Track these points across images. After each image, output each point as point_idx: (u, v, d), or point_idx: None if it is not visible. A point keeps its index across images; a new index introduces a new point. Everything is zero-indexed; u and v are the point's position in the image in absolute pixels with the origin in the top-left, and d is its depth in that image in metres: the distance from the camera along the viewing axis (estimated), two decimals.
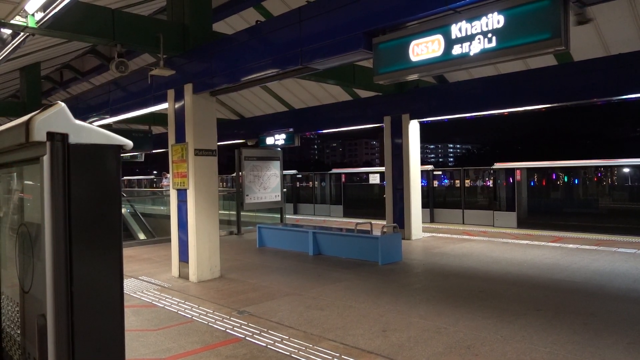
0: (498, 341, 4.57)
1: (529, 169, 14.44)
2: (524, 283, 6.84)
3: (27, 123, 1.54)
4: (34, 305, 1.73)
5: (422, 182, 13.10)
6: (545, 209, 14.38)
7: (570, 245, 9.93)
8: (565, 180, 14.66)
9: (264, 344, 4.59)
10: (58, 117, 1.57)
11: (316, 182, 21.04)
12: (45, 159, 1.50)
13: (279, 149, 14.17)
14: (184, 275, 7.71)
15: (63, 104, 1.60)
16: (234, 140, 16.35)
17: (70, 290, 1.51)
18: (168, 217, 9.07)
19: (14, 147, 1.75)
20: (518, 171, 14.03)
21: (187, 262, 7.62)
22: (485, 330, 4.89)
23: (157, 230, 14.51)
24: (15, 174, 2.05)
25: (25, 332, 1.85)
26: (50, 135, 1.51)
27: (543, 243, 10.30)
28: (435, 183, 16.69)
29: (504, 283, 6.87)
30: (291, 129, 14.02)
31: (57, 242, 1.48)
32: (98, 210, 1.61)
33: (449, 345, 4.48)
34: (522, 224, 13.47)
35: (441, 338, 4.69)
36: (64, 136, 1.54)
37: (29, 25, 5.65)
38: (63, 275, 1.49)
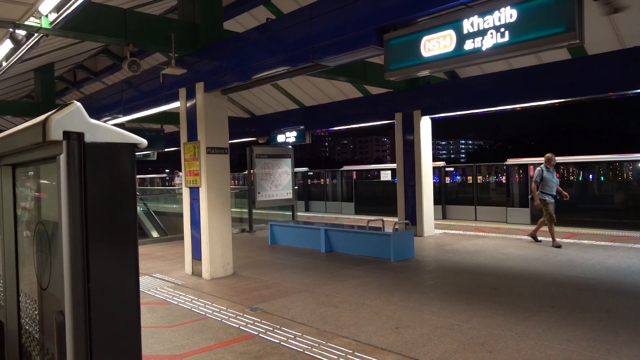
0: (512, 338, 4.53)
1: None
2: (538, 280, 6.78)
3: (44, 122, 1.56)
4: (52, 302, 1.75)
5: (434, 179, 13.02)
6: (559, 205, 14.21)
7: (585, 242, 9.81)
8: (580, 175, 14.48)
9: (278, 341, 4.61)
10: (74, 116, 1.58)
11: (327, 180, 21.03)
12: (62, 158, 1.52)
13: (290, 146, 14.19)
14: (197, 273, 7.77)
15: (78, 104, 1.62)
16: (245, 138, 16.41)
17: (87, 287, 1.53)
18: (180, 215, 9.13)
19: (31, 146, 1.77)
20: (531, 167, 13.88)
21: (200, 260, 7.67)
22: (499, 327, 4.85)
23: (170, 228, 14.65)
24: (31, 172, 2.08)
25: (44, 328, 1.88)
26: (67, 135, 1.53)
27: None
28: (447, 179, 16.59)
29: (517, 280, 6.82)
30: (302, 127, 14.03)
31: (74, 240, 1.50)
32: (114, 208, 1.62)
33: (463, 342, 4.46)
34: (536, 220, 13.30)
35: (454, 335, 4.67)
36: (80, 135, 1.55)
37: (43, 26, 5.72)
38: (80, 272, 1.50)
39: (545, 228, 9.82)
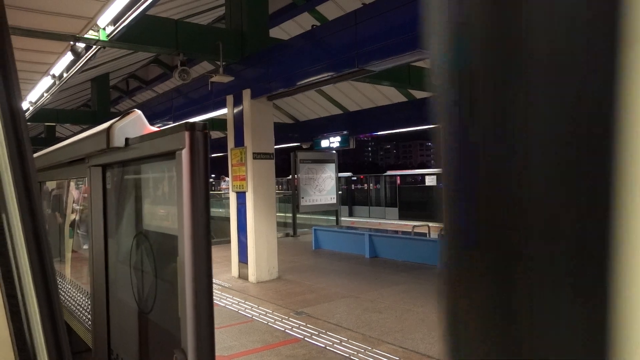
0: None
1: None
2: None
3: (108, 130, 1.65)
4: (155, 330, 1.63)
5: None
6: None
7: None
8: None
9: (323, 345, 4.62)
10: (135, 123, 1.66)
11: (371, 185, 20.95)
12: (184, 153, 1.34)
13: (334, 151, 14.23)
14: (243, 276, 7.91)
15: (139, 112, 1.69)
16: (288, 143, 16.56)
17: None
18: (226, 219, 9.34)
19: (98, 151, 1.86)
20: None
21: (246, 263, 7.81)
22: None
23: (216, 232, 14.97)
24: (123, 174, 1.91)
25: (141, 354, 1.72)
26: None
27: None
28: None
29: None
30: (345, 132, 14.03)
31: (197, 252, 1.32)
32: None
33: None
34: None
35: None
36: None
37: (101, 38, 6.02)
38: (206, 302, 1.31)
39: None
